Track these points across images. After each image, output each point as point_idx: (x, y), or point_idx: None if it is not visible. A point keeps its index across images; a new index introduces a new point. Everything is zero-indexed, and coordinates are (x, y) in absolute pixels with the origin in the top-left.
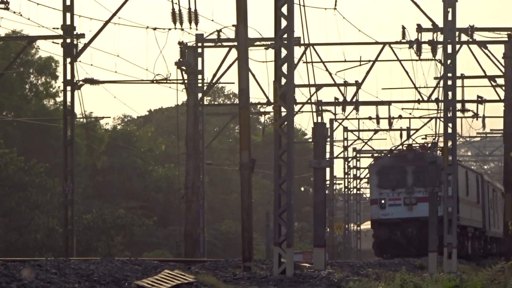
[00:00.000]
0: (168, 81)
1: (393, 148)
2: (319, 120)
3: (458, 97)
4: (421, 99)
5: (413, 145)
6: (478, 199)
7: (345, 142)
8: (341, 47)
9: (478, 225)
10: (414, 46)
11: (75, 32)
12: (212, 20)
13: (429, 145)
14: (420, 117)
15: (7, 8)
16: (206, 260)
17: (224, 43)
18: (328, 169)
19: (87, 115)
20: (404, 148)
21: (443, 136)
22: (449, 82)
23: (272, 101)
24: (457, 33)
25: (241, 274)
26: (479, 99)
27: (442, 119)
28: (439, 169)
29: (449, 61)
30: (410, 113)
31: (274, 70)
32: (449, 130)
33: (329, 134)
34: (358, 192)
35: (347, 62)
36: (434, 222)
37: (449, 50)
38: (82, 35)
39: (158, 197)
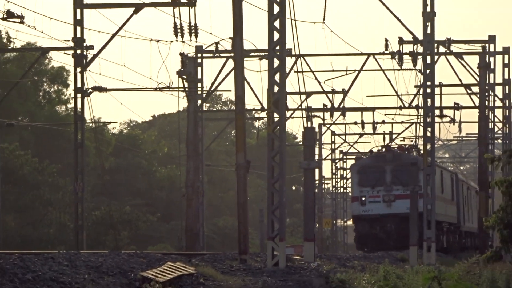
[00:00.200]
0: (170, 89)
1: (372, 149)
2: (309, 125)
3: (437, 103)
4: (402, 105)
5: (391, 146)
6: (452, 196)
7: (333, 145)
8: (329, 57)
9: (453, 221)
10: (396, 57)
11: (84, 44)
12: (211, 33)
13: (406, 146)
14: (401, 122)
15: (22, 22)
16: (206, 253)
17: (222, 54)
18: (317, 170)
19: (95, 120)
20: (383, 149)
21: (423, 139)
22: (428, 90)
23: (265, 107)
24: (435, 45)
25: (237, 266)
26: (455, 105)
27: (422, 124)
28: (418, 170)
29: (428, 71)
30: (392, 119)
31: (268, 79)
32: (428, 134)
33: (318, 138)
34: (344, 190)
35: (335, 71)
36: (414, 218)
37: (428, 60)
38: (91, 47)
39: (161, 195)
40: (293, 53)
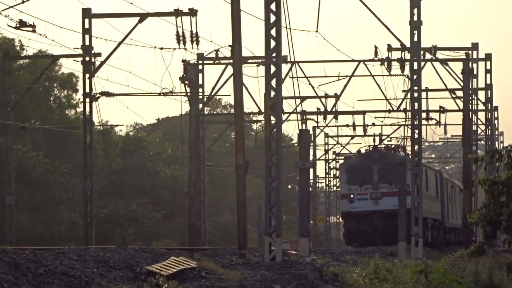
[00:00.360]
0: (173, 94)
1: (360, 149)
2: (304, 127)
3: (423, 107)
4: (391, 109)
5: (378, 146)
6: (437, 193)
7: (326, 146)
8: (322, 64)
9: (437, 217)
10: (385, 63)
11: (93, 52)
12: (211, 41)
13: (393, 146)
14: (390, 125)
15: (34, 31)
16: (207, 248)
17: (222, 61)
18: (311, 170)
19: (103, 123)
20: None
21: (411, 141)
22: (415, 95)
23: (263, 111)
24: (422, 52)
25: (237, 260)
26: (441, 109)
27: (409, 126)
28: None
29: (415, 76)
30: (382, 121)
31: (265, 84)
32: (416, 136)
33: (312, 140)
34: (337, 189)
35: (328, 77)
36: (403, 215)
37: (415, 66)
38: (99, 54)
39: (165, 194)
40: (288, 60)
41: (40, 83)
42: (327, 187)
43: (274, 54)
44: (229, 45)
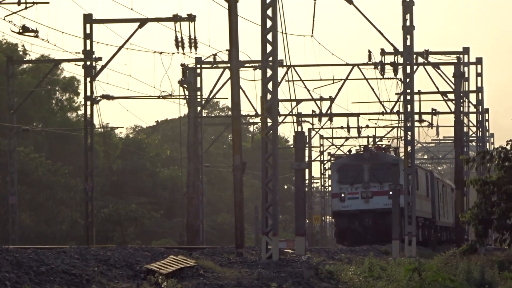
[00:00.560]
0: (172, 97)
1: (351, 149)
2: (299, 129)
3: (416, 109)
4: (384, 111)
5: (369, 146)
6: (427, 193)
7: (321, 147)
8: (317, 68)
9: (427, 216)
10: (379, 67)
11: (94, 56)
12: (209, 46)
13: (383, 146)
14: (384, 127)
15: (36, 36)
16: (205, 247)
17: (219, 65)
18: (307, 170)
19: (104, 126)
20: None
21: (404, 142)
22: (408, 97)
23: (259, 113)
24: (414, 56)
25: (234, 259)
26: (433, 111)
27: (402, 128)
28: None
29: (408, 80)
30: (375, 123)
31: (261, 87)
32: (409, 137)
33: (307, 141)
34: None
35: (322, 80)
36: (397, 214)
37: (408, 70)
38: (100, 58)
39: (164, 194)
40: (284, 63)
41: (43, 87)
42: (322, 187)
43: (270, 58)
44: (226, 50)
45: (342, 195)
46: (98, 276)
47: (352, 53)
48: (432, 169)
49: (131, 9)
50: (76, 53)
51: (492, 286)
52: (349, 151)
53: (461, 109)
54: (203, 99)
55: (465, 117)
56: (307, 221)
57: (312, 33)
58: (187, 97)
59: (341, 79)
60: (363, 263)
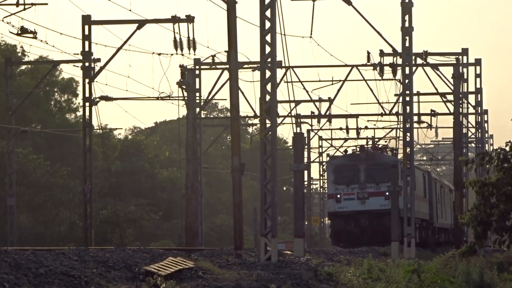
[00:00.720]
0: (171, 98)
1: (347, 149)
2: (298, 131)
3: (415, 110)
4: (383, 112)
5: (365, 146)
6: (425, 193)
7: (320, 149)
8: (316, 69)
9: (425, 217)
10: (378, 68)
11: (92, 57)
12: (208, 47)
13: (380, 146)
14: (383, 128)
15: (35, 37)
16: (204, 248)
17: (218, 66)
18: (306, 172)
19: (102, 127)
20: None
21: (403, 143)
22: (407, 98)
23: (258, 114)
24: (413, 57)
25: (233, 260)
26: (432, 112)
27: (401, 129)
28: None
29: (407, 81)
30: (374, 124)
31: (260, 89)
32: (408, 139)
33: (306, 142)
34: None
35: (321, 81)
36: (396, 216)
37: (407, 71)
38: (98, 60)
39: (163, 195)
40: (283, 65)
41: (41, 88)
42: (321, 189)
43: (269, 59)
44: (225, 51)
45: (338, 196)
46: (96, 277)
47: (351, 54)
48: (431, 170)
49: (130, 10)
50: (74, 54)
51: (491, 287)
52: (345, 151)
53: (460, 110)
54: (202, 100)
55: (464, 118)
56: (306, 223)
57: (311, 34)
58: (185, 98)
59: (340, 80)
60: (362, 264)
